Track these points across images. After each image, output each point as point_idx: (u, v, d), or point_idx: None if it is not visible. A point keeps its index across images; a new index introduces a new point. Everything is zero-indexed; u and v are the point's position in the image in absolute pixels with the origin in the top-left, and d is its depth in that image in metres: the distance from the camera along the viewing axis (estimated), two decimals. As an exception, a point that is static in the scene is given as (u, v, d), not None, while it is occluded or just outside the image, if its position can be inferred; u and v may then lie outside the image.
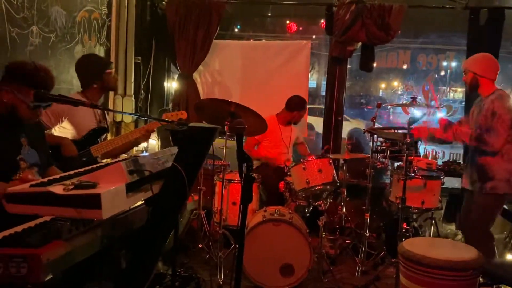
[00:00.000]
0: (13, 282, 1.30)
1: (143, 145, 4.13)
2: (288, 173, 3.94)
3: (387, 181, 4.48)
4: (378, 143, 3.80)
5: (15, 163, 2.10)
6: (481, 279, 2.68)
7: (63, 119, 3.05)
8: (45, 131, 3.03)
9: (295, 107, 4.51)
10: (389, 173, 4.29)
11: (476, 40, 4.68)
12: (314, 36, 6.66)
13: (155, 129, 3.39)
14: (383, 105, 4.43)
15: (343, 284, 3.48)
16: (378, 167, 3.87)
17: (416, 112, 3.99)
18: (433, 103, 6.77)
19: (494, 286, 2.79)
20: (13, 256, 1.29)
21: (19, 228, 1.51)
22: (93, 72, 3.18)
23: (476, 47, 4.57)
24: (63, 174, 1.74)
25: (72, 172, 1.76)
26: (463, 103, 5.63)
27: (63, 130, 3.09)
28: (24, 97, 2.07)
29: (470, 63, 3.42)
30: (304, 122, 5.21)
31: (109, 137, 3.86)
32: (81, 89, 3.22)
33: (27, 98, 2.07)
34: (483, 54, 3.48)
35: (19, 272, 1.29)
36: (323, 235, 3.61)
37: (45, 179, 1.62)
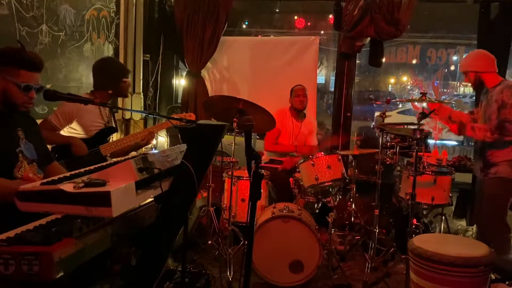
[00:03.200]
0: (25, 280, 1.32)
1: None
2: (297, 170, 3.93)
3: (397, 177, 4.46)
4: (388, 139, 3.78)
5: (15, 156, 2.08)
6: (493, 276, 2.66)
7: (72, 120, 3.07)
8: (55, 132, 3.07)
9: (291, 91, 4.57)
10: (398, 169, 4.26)
11: (486, 34, 4.61)
12: (322, 32, 6.63)
13: (157, 133, 3.40)
14: (392, 100, 4.39)
15: (352, 281, 3.47)
16: (387, 163, 3.84)
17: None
18: (443, 97, 6.71)
19: (507, 283, 2.77)
20: (25, 254, 1.30)
21: (30, 226, 1.52)
22: (111, 78, 3.18)
23: (487, 41, 4.52)
24: (73, 172, 1.76)
25: (82, 170, 1.78)
26: (474, 98, 5.57)
27: (72, 130, 3.12)
28: (15, 79, 2.03)
29: (468, 64, 3.46)
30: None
31: (116, 136, 3.89)
32: (92, 89, 3.24)
33: (17, 79, 2.04)
34: (476, 52, 3.58)
35: (31, 269, 1.30)
36: (332, 232, 3.60)
37: (56, 177, 1.64)
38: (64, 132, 3.12)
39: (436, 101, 3.73)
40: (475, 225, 4.41)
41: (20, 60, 2.05)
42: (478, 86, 3.45)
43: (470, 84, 3.54)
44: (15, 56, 2.05)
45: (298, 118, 4.59)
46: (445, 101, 4.24)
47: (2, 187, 1.88)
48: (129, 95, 5.16)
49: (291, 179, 4.10)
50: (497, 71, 3.41)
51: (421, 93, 3.34)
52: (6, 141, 2.07)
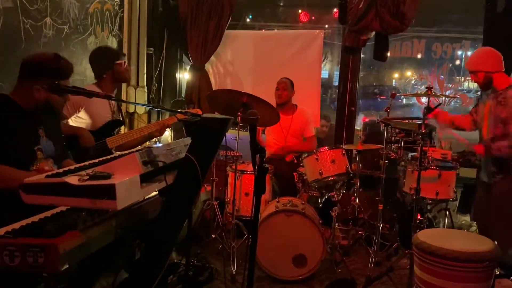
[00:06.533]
0: (30, 272, 1.32)
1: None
2: (301, 164, 3.92)
3: (401, 171, 4.44)
4: (392, 134, 3.76)
5: (33, 153, 2.13)
6: (497, 271, 2.65)
7: (80, 109, 3.09)
8: (62, 121, 3.08)
9: (277, 83, 4.52)
10: (403, 163, 4.25)
11: (492, 28, 4.57)
12: (326, 26, 6.58)
13: (171, 124, 3.41)
14: (397, 95, 4.37)
15: (356, 275, 3.48)
16: (392, 157, 3.83)
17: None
18: (448, 92, 6.68)
19: (511, 278, 2.76)
20: (31, 246, 1.31)
21: (35, 218, 1.53)
22: (104, 62, 3.22)
23: (492, 35, 4.48)
24: (78, 165, 1.76)
25: (87, 163, 1.78)
26: (479, 93, 5.54)
27: (79, 120, 3.13)
28: None
29: (478, 63, 3.31)
30: (315, 112, 5.18)
31: (123, 129, 3.89)
32: (95, 81, 3.26)
33: None
34: (484, 49, 3.43)
35: (36, 261, 1.30)
36: (336, 226, 3.60)
37: (61, 170, 1.64)
38: (72, 121, 3.13)
39: (441, 96, 3.71)
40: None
41: (59, 72, 2.17)
42: (488, 85, 3.30)
43: (477, 83, 3.40)
44: (54, 69, 2.15)
45: (287, 112, 4.46)
46: (450, 95, 4.21)
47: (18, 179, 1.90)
48: (133, 88, 5.16)
49: (295, 173, 4.09)
50: (504, 70, 3.30)
51: (426, 87, 3.31)
52: (27, 140, 2.13)
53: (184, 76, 5.78)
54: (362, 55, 5.17)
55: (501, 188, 3.23)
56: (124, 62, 3.31)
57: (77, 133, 2.98)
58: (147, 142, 3.67)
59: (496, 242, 2.60)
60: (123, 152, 2.09)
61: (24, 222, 1.48)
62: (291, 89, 4.49)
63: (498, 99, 3.21)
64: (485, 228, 3.41)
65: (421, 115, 3.27)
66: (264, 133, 4.68)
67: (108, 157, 1.91)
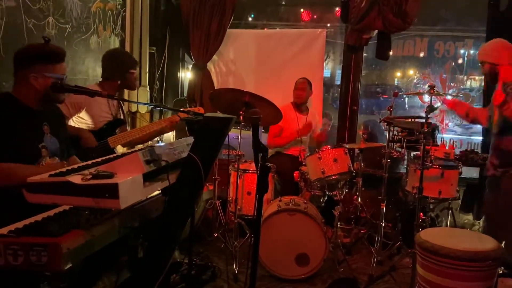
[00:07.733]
0: (34, 270, 1.32)
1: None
2: (303, 163, 3.92)
3: (403, 170, 4.44)
4: (395, 133, 3.75)
5: (37, 151, 2.12)
6: (500, 270, 2.64)
7: (81, 109, 3.08)
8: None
9: (295, 83, 4.53)
10: (405, 162, 4.24)
11: (495, 27, 4.56)
12: (329, 24, 6.55)
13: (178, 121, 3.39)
14: (400, 93, 4.36)
15: (358, 274, 3.48)
16: (394, 156, 3.82)
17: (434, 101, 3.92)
18: (451, 91, 6.66)
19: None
20: (34, 245, 1.31)
21: (38, 217, 1.53)
22: (118, 68, 3.21)
23: (496, 33, 4.45)
24: (81, 164, 1.76)
25: (89, 162, 1.78)
26: (481, 91, 5.52)
27: (80, 120, 3.13)
28: (53, 74, 2.11)
29: (484, 54, 3.26)
30: (317, 111, 5.17)
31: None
32: (100, 80, 3.25)
33: (56, 74, 2.12)
34: (495, 41, 3.31)
35: (40, 260, 1.31)
36: (338, 225, 3.60)
37: (64, 169, 1.64)
38: (73, 121, 3.13)
39: (443, 95, 3.70)
40: (481, 219, 4.38)
41: (51, 56, 2.12)
42: (494, 77, 3.22)
43: (485, 75, 3.34)
44: (45, 53, 2.11)
45: (302, 112, 4.56)
46: (453, 94, 4.20)
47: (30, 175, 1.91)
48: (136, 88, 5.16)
49: (296, 172, 4.09)
50: None
51: (429, 86, 3.31)
52: (30, 137, 2.12)
53: (186, 75, 5.78)
54: (364, 54, 5.17)
55: (507, 185, 3.19)
56: (137, 71, 3.32)
57: (78, 134, 2.98)
58: (149, 142, 3.67)
59: (504, 240, 2.59)
60: (126, 151, 2.09)
61: (27, 221, 1.49)
62: (309, 90, 4.54)
63: (506, 91, 3.10)
64: (493, 226, 3.38)
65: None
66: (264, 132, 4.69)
67: (111, 156, 1.91)
